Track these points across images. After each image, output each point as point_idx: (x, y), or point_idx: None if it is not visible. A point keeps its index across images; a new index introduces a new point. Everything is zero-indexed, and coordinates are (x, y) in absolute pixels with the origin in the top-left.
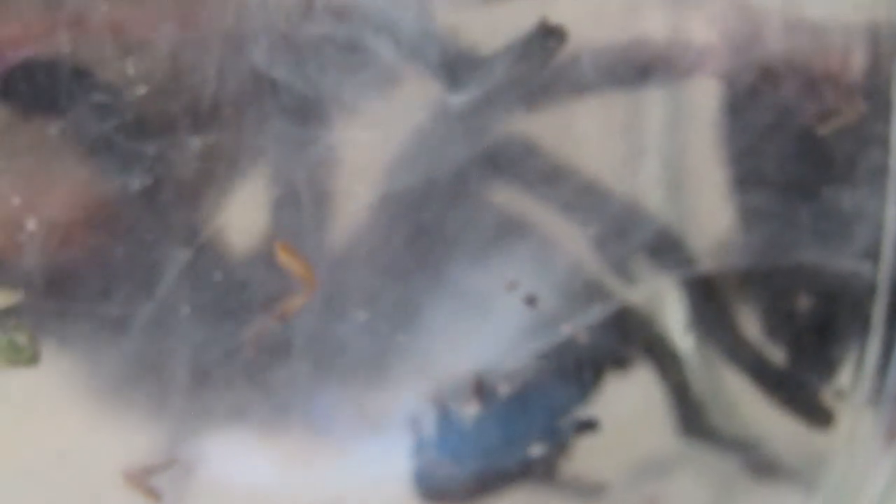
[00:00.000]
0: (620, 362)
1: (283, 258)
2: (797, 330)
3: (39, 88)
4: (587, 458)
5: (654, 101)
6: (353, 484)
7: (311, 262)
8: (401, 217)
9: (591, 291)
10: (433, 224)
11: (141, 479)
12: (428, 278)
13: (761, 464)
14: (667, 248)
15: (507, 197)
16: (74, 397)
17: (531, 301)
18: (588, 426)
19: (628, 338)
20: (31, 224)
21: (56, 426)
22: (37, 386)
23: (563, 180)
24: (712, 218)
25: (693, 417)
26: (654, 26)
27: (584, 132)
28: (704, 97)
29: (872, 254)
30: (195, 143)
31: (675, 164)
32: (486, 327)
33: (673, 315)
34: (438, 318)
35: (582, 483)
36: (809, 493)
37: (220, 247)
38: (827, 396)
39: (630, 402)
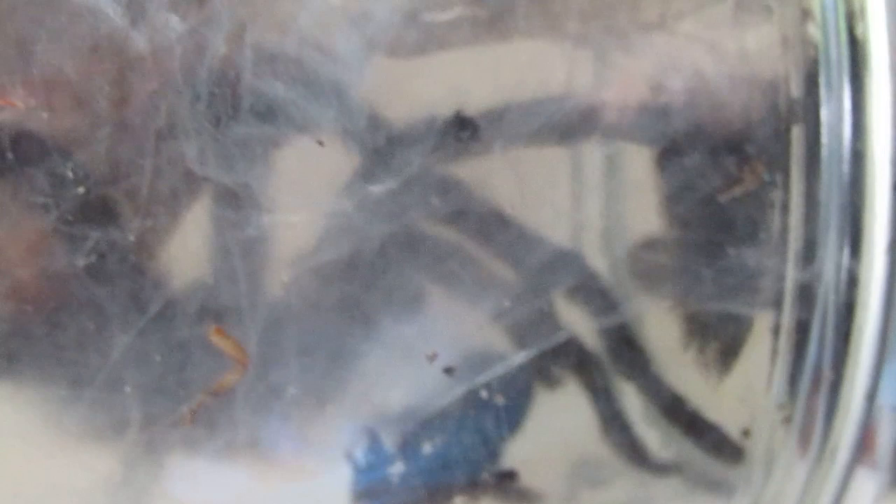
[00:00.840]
0: (551, 383)
1: (217, 340)
2: (706, 372)
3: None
4: (525, 468)
5: (569, 162)
6: None
7: (248, 323)
8: (330, 285)
9: (518, 335)
10: (360, 291)
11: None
12: (360, 330)
13: (689, 478)
14: (591, 294)
15: (434, 257)
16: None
17: (449, 371)
18: (508, 477)
19: (557, 362)
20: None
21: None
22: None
23: (498, 229)
24: (628, 269)
25: (624, 439)
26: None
27: (520, 184)
28: (617, 159)
29: (776, 303)
30: (135, 225)
31: (593, 220)
32: (417, 369)
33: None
34: (372, 362)
35: (522, 493)
36: (732, 500)
37: (160, 328)
38: (735, 435)
39: (564, 419)
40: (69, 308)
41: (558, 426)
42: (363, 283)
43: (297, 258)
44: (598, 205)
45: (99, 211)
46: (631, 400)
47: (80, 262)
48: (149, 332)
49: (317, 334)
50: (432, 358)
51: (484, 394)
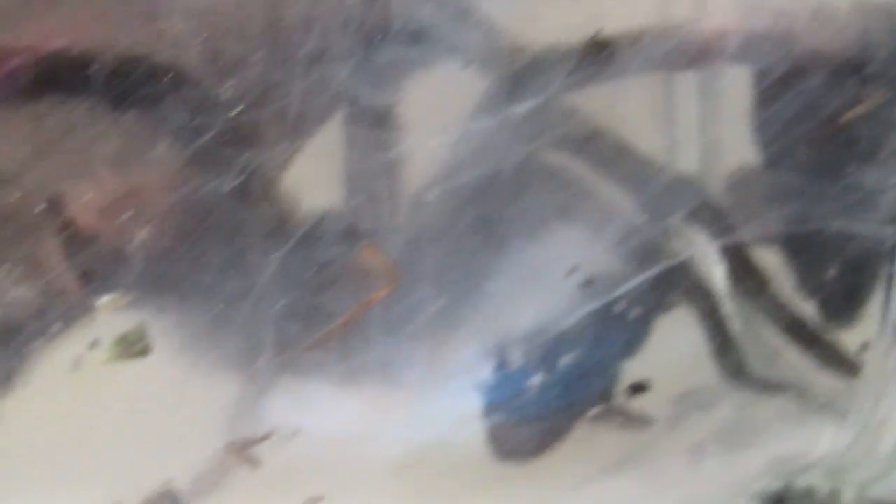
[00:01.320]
0: (666, 308)
1: (368, 257)
2: (826, 290)
3: (144, 87)
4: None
5: (690, 88)
6: (429, 430)
7: (387, 245)
8: (466, 206)
9: (639, 258)
10: (496, 212)
11: (242, 448)
12: (490, 258)
13: (798, 402)
14: (710, 217)
15: (567, 182)
16: (188, 377)
17: (588, 283)
18: (641, 388)
19: (672, 286)
20: (141, 234)
21: (170, 406)
22: (154, 372)
23: (620, 158)
24: (748, 192)
25: (732, 361)
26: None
27: (635, 115)
28: (737, 85)
29: (894, 219)
30: (281, 147)
31: (712, 145)
32: (546, 289)
33: (713, 268)
34: (500, 290)
35: (630, 416)
36: (840, 423)
37: (302, 251)
38: (854, 349)
39: (675, 344)
40: (214, 233)
41: (667, 350)
42: (500, 204)
43: (438, 179)
44: (719, 129)
45: (247, 134)
46: (741, 321)
47: (226, 185)
48: (290, 256)
49: (452, 255)
50: (571, 272)
51: (618, 307)
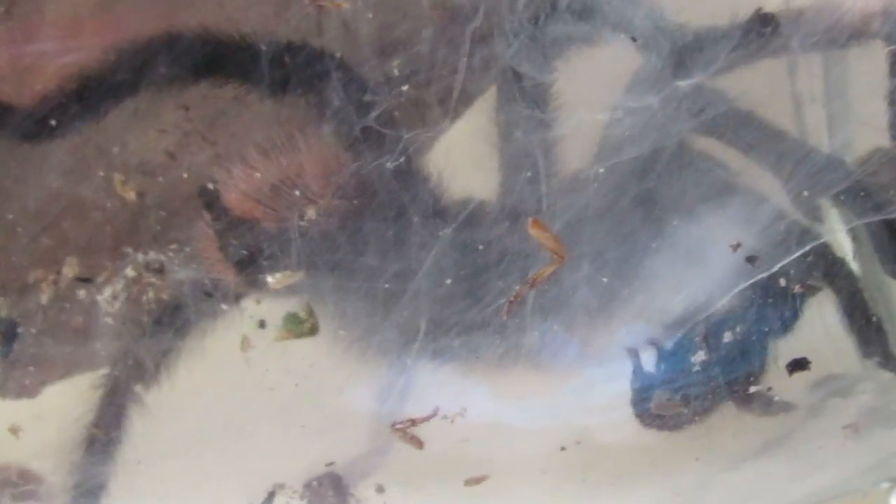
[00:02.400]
0: (812, 291)
1: (537, 232)
2: None
3: (305, 73)
4: (777, 376)
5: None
6: (585, 412)
7: (547, 224)
8: (627, 184)
9: (793, 237)
10: (656, 189)
11: (406, 429)
12: (650, 236)
13: None
14: (859, 196)
15: (722, 161)
16: (347, 361)
17: (752, 259)
18: (801, 365)
19: (811, 270)
20: (310, 212)
21: (333, 387)
22: (316, 355)
23: (773, 142)
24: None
25: (872, 341)
26: None
27: (781, 99)
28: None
29: None
30: (444, 126)
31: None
32: (702, 268)
33: (847, 246)
34: (660, 263)
35: (776, 404)
36: None
37: (461, 231)
38: None
39: (817, 328)
40: (377, 213)
41: (809, 335)
42: (659, 183)
43: (599, 157)
44: (865, 110)
45: (412, 113)
46: (884, 304)
47: (390, 163)
48: (454, 236)
49: (611, 235)
50: (736, 247)
51: (775, 285)
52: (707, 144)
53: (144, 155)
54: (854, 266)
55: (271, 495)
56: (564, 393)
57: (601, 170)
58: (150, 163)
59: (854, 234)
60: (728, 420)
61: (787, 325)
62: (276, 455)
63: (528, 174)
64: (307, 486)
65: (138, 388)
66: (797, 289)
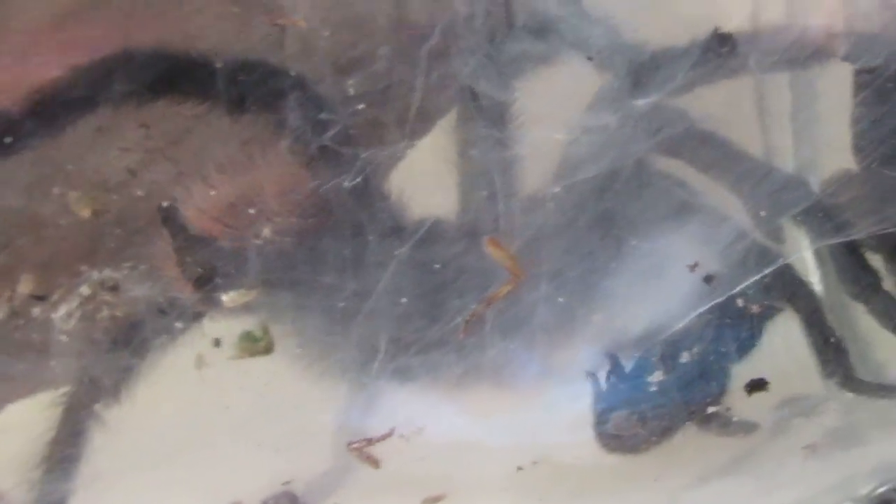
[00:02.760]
0: (773, 312)
1: (493, 251)
2: None
3: (262, 90)
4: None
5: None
6: (544, 431)
7: (504, 244)
8: (585, 203)
9: (752, 258)
10: (614, 209)
11: (362, 448)
12: (608, 256)
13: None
14: (821, 217)
15: (681, 180)
16: (305, 379)
17: (709, 279)
18: (759, 386)
19: (778, 290)
20: (266, 230)
21: (290, 405)
22: (273, 373)
23: (734, 161)
24: (858, 191)
25: (833, 362)
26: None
27: (744, 119)
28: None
29: None
30: (401, 145)
31: (821, 146)
32: (662, 288)
33: (809, 266)
34: (619, 283)
35: (737, 424)
36: None
37: (419, 250)
38: None
39: (779, 350)
40: (334, 232)
41: (771, 356)
42: (619, 201)
43: (557, 176)
44: (827, 131)
45: (369, 131)
46: (847, 325)
47: (347, 182)
48: (411, 255)
49: (570, 254)
50: (693, 267)
51: (733, 307)
52: (666, 164)
53: (105, 173)
54: (817, 287)
55: None
56: (524, 412)
57: (559, 189)
58: (110, 181)
59: (818, 254)
60: (689, 440)
61: (745, 346)
62: (232, 473)
63: (486, 193)
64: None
65: (97, 406)
66: (755, 309)
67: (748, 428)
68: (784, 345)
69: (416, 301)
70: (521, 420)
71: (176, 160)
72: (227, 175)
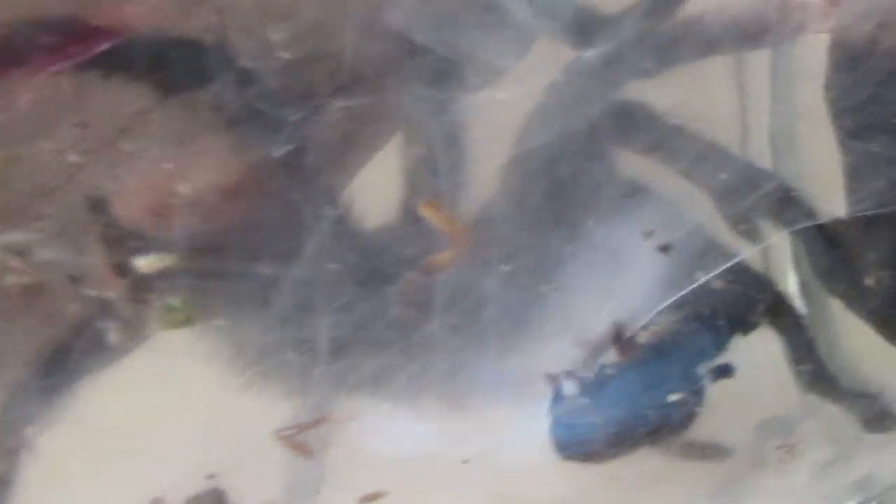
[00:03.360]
0: (749, 327)
1: (430, 213)
2: None
3: (184, 63)
4: (715, 420)
5: (760, 62)
6: (492, 443)
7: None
8: (537, 173)
9: (718, 244)
10: (569, 179)
11: (292, 436)
12: (565, 232)
13: (878, 414)
14: (787, 204)
15: (635, 157)
16: (225, 366)
17: (665, 249)
18: (725, 372)
19: (751, 302)
20: (182, 188)
21: (209, 396)
22: (189, 363)
23: (683, 144)
24: (829, 169)
25: (815, 373)
26: None
27: (698, 97)
28: (810, 54)
29: None
30: (336, 107)
31: (786, 122)
32: (623, 279)
33: (789, 274)
34: (577, 272)
35: (709, 447)
36: None
37: (364, 207)
38: None
39: (756, 363)
40: (262, 208)
41: (748, 377)
42: (573, 174)
43: (506, 143)
44: (794, 104)
45: (299, 89)
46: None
47: (276, 151)
48: (353, 210)
49: (521, 237)
50: (649, 234)
51: (698, 310)
52: (621, 133)
53: None
54: (797, 303)
55: None
56: (478, 413)
57: (507, 160)
58: None
59: (797, 263)
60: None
61: (710, 354)
62: (155, 466)
63: (428, 164)
64: (188, 502)
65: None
66: (721, 321)
67: (721, 453)
68: (760, 362)
69: (358, 288)
70: (475, 421)
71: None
72: (155, 162)
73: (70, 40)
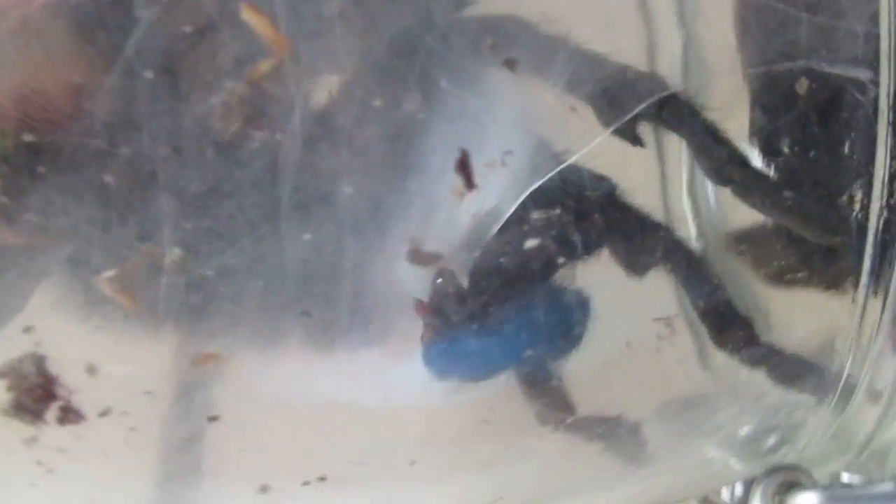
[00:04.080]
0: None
1: (252, 17)
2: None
3: None
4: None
5: None
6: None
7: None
8: (379, 21)
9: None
10: (417, 33)
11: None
12: (415, 103)
13: (784, 370)
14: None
15: None
16: None
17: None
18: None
19: (648, 246)
20: None
21: None
22: None
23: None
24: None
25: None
26: None
27: None
28: None
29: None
30: None
31: None
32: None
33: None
34: (429, 163)
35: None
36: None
37: (187, 7)
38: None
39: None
40: None
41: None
42: (423, 20)
43: None
44: None
45: None
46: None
47: None
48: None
49: (368, 97)
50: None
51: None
52: None
53: None
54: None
55: None
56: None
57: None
58: None
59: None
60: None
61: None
62: None
63: None
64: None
65: None
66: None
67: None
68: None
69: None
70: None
71: None
72: None
73: None
